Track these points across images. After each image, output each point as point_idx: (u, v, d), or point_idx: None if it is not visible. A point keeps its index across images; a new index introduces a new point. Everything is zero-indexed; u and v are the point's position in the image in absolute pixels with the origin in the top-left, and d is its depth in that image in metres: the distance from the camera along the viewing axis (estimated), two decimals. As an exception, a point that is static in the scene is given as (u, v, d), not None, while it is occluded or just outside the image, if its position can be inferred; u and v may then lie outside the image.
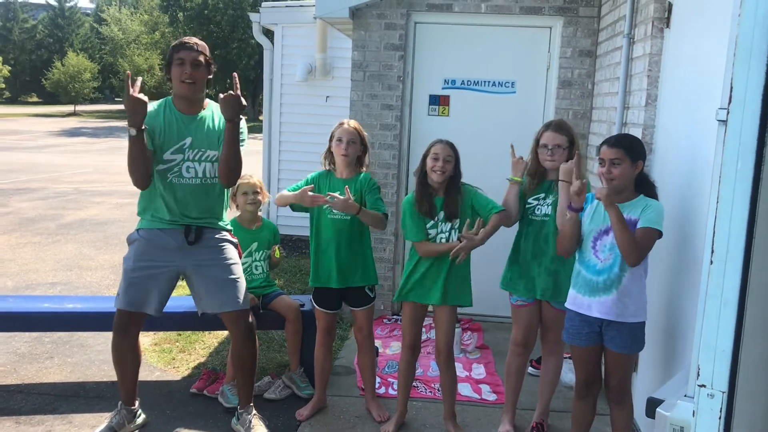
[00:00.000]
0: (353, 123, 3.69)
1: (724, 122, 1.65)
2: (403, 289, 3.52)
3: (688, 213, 3.07)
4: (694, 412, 1.72)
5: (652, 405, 2.03)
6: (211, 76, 3.39)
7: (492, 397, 4.07)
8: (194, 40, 3.35)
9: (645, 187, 2.95)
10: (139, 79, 3.19)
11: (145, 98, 3.14)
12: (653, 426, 2.02)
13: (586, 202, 3.05)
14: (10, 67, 44.49)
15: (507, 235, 3.60)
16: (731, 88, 1.62)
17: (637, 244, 2.77)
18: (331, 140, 3.65)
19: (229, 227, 3.54)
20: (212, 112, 3.41)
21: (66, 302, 4.27)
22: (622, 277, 2.87)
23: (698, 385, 1.69)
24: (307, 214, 3.71)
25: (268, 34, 8.30)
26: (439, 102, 5.41)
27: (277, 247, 4.17)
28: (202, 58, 3.28)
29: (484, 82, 5.36)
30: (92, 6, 63.03)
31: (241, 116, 3.27)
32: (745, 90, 1.60)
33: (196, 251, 3.36)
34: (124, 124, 3.15)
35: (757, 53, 1.58)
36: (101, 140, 25.39)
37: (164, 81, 35.02)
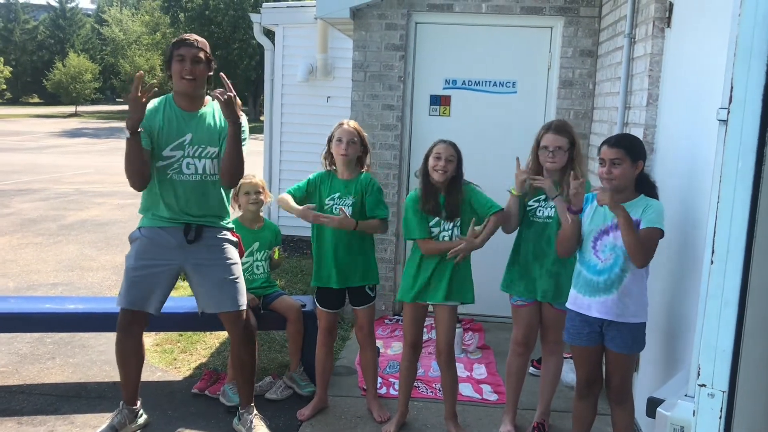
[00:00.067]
0: (353, 123, 3.69)
1: (725, 122, 1.65)
2: (411, 290, 3.50)
3: (689, 212, 3.07)
4: (694, 411, 1.72)
5: (653, 405, 2.03)
6: (211, 73, 3.39)
7: (493, 397, 4.07)
8: (194, 36, 3.34)
9: (645, 187, 2.95)
10: (152, 84, 3.15)
11: (144, 102, 3.10)
12: (654, 425, 2.03)
13: (586, 202, 3.05)
14: (11, 68, 44.52)
15: (508, 236, 3.59)
16: (731, 87, 1.63)
17: (644, 246, 2.78)
18: (330, 141, 3.65)
19: (230, 226, 3.53)
20: (213, 108, 3.41)
21: (67, 303, 4.28)
22: (622, 277, 2.87)
23: (699, 385, 1.69)
24: None
25: (269, 34, 8.30)
26: (440, 102, 5.41)
27: (277, 249, 4.18)
28: (202, 55, 3.29)
29: (485, 82, 5.36)
30: (93, 7, 63.14)
31: (241, 114, 3.27)
32: (745, 90, 1.61)
33: (196, 250, 3.37)
34: (124, 125, 3.15)
35: (758, 53, 1.59)
36: (102, 141, 25.41)
37: (166, 81, 35.06)
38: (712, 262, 1.67)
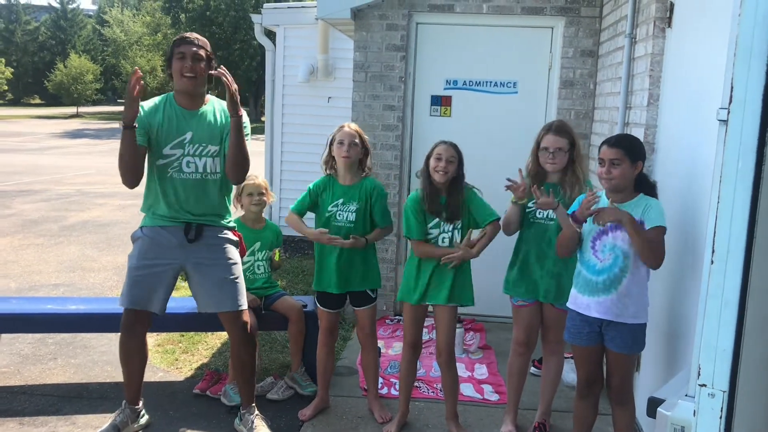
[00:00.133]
0: (354, 126, 3.68)
1: (725, 122, 1.65)
2: (413, 291, 3.50)
3: (689, 212, 3.07)
4: (695, 411, 1.72)
5: (653, 404, 2.03)
6: (212, 72, 3.40)
7: (494, 397, 4.07)
8: (195, 35, 3.36)
9: (644, 187, 2.95)
10: (141, 83, 3.16)
11: (136, 96, 3.10)
12: (655, 425, 2.03)
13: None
14: (12, 69, 44.60)
15: (508, 237, 3.59)
16: (732, 87, 1.63)
17: (652, 247, 2.78)
18: (331, 144, 3.65)
19: (232, 225, 3.53)
20: (213, 107, 3.41)
21: (69, 303, 4.28)
22: (622, 277, 2.87)
23: (699, 385, 1.69)
24: (312, 216, 3.72)
25: (270, 35, 8.31)
26: (440, 102, 5.42)
27: (278, 250, 4.19)
28: (202, 53, 3.29)
29: (486, 82, 5.36)
30: (94, 8, 63.22)
31: (241, 109, 3.27)
32: (745, 90, 1.61)
33: (196, 249, 3.37)
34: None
35: (758, 53, 1.59)
36: (104, 142, 25.43)
37: (167, 82, 35.07)
38: (712, 262, 1.67)
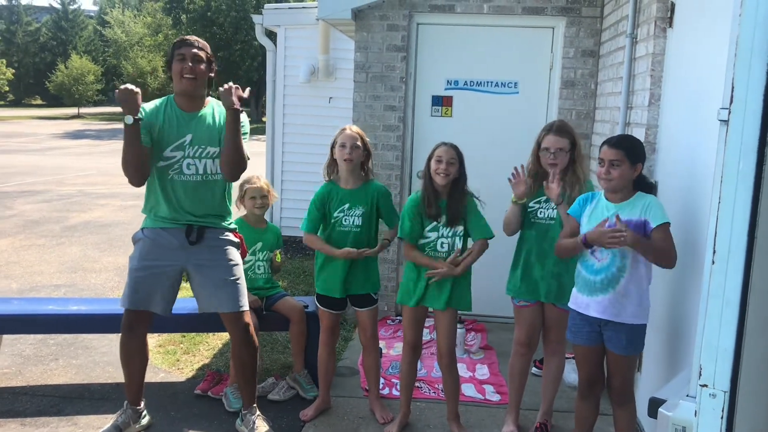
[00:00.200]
0: (355, 128, 3.68)
1: (726, 122, 1.65)
2: (412, 294, 3.50)
3: (690, 212, 3.07)
4: (696, 411, 1.72)
5: (655, 405, 2.03)
6: (212, 74, 3.41)
7: (496, 398, 4.07)
8: (195, 37, 3.38)
9: (642, 188, 2.95)
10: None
11: (137, 89, 3.17)
12: (656, 426, 2.03)
13: (587, 202, 3.06)
14: (13, 70, 44.58)
15: (509, 237, 3.59)
16: (732, 87, 1.63)
17: (663, 249, 2.79)
18: (333, 147, 3.64)
19: (233, 226, 3.54)
20: (213, 109, 3.42)
21: (70, 304, 4.29)
22: (620, 277, 2.87)
23: (700, 385, 1.69)
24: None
25: (271, 35, 8.32)
26: (441, 103, 5.41)
27: (278, 252, 4.19)
28: (203, 54, 3.31)
29: (487, 82, 5.36)
30: (95, 9, 63.24)
31: (241, 108, 3.27)
32: (746, 90, 1.61)
33: (197, 251, 3.37)
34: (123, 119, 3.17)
35: (758, 53, 1.59)
36: (105, 142, 25.45)
37: (167, 83, 35.11)
38: (713, 262, 1.67)
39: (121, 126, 3.29)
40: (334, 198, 3.62)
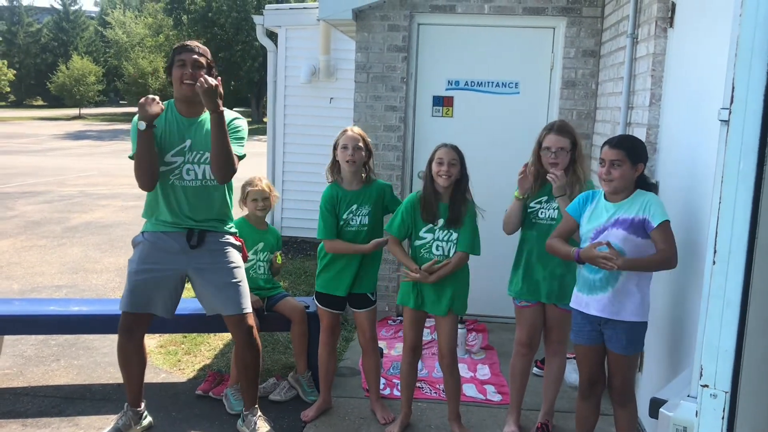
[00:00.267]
0: (357, 129, 3.68)
1: (726, 122, 1.65)
2: (411, 294, 3.50)
3: (691, 213, 3.07)
4: (697, 412, 1.72)
5: (656, 405, 2.03)
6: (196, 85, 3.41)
7: (497, 398, 4.07)
8: (195, 43, 3.38)
9: (644, 188, 2.95)
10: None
11: (162, 105, 3.24)
12: (657, 426, 2.03)
13: (587, 202, 3.05)
14: (15, 71, 44.62)
15: (509, 237, 3.59)
16: (733, 88, 1.63)
17: (664, 248, 2.79)
18: (335, 149, 3.65)
19: (233, 230, 3.54)
20: None
21: (72, 305, 4.29)
22: (618, 275, 2.87)
23: (701, 385, 1.69)
24: (315, 217, 3.73)
25: (272, 36, 8.32)
26: (442, 103, 5.42)
27: (278, 253, 4.19)
28: (203, 60, 3.31)
29: (488, 83, 5.36)
30: (96, 9, 63.32)
31: (222, 106, 3.24)
32: (746, 90, 1.61)
33: (198, 254, 3.38)
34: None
35: (759, 53, 1.59)
36: (106, 143, 25.46)
37: (168, 84, 35.07)
38: (714, 263, 1.67)
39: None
40: (342, 201, 3.63)
